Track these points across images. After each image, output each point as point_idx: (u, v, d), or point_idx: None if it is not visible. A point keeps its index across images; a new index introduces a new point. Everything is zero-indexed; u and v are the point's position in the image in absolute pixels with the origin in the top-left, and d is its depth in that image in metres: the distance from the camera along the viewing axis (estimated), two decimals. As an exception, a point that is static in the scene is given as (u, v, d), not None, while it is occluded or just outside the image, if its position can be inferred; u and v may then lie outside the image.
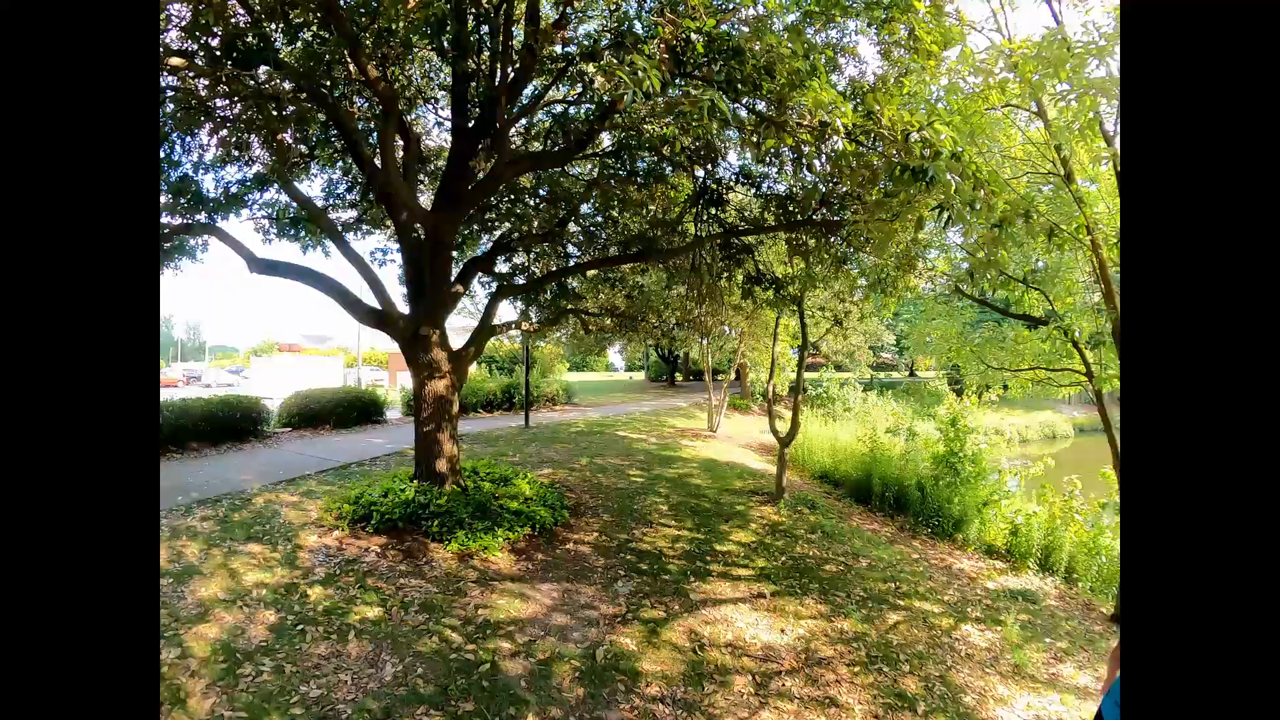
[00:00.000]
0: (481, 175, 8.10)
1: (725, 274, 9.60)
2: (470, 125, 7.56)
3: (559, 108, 8.68)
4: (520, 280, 10.55)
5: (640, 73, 3.91)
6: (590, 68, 6.10)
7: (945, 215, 4.33)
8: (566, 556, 7.10)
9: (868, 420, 18.99)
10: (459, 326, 25.92)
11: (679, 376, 39.91)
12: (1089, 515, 10.01)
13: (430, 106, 9.62)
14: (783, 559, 7.85)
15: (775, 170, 8.17)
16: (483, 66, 7.23)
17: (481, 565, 6.53)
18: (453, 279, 8.26)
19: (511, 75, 6.85)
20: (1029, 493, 11.67)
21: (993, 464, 11.95)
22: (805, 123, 4.71)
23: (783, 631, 5.89)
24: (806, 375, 29.90)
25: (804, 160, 6.20)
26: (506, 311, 20.79)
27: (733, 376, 23.12)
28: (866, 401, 24.80)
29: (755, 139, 5.01)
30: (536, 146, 9.45)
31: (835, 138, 4.05)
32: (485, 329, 8.93)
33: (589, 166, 9.75)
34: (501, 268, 10.69)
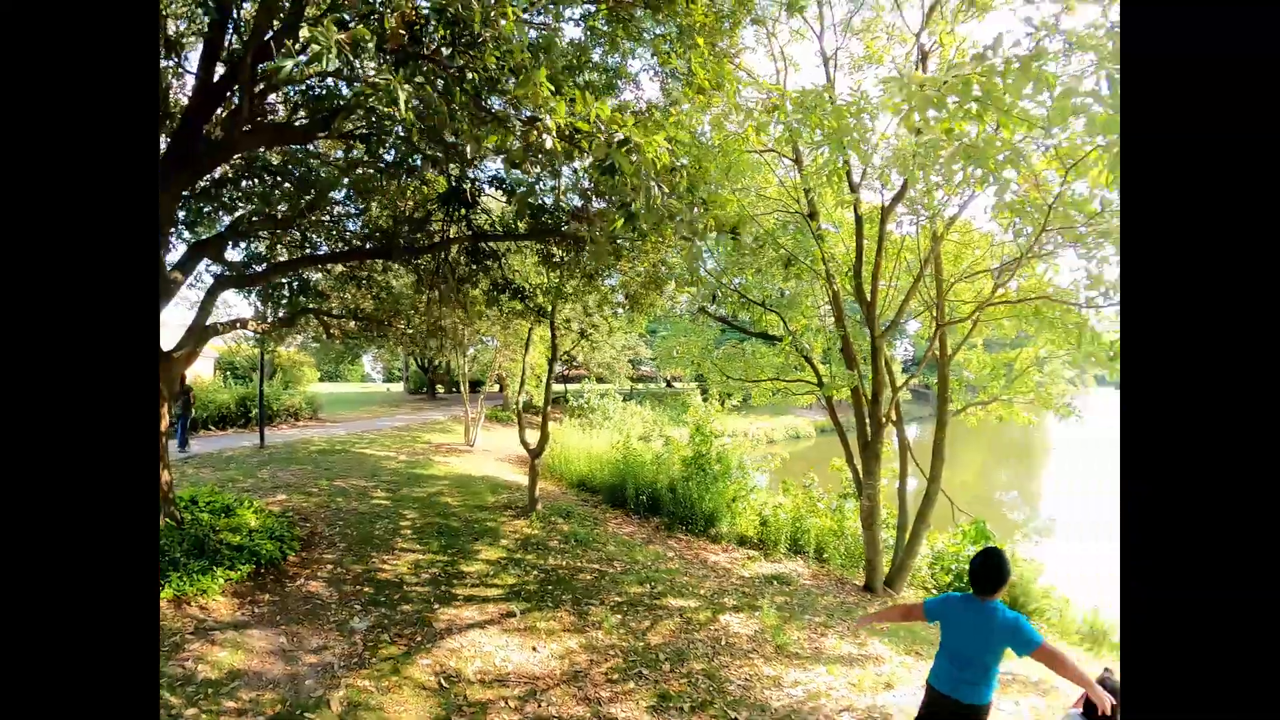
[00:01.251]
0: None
1: (471, 280, 9.18)
2: (215, 80, 6.34)
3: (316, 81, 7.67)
4: (256, 270, 9.10)
5: (360, 43, 3.41)
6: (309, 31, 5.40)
7: (634, 224, 4.33)
8: (296, 594, 6.15)
9: (623, 428, 19.68)
10: (180, 324, 21.69)
11: (440, 389, 38.17)
12: (828, 503, 11.37)
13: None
14: (534, 573, 7.58)
15: (534, 177, 7.97)
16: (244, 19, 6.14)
17: (200, 612, 5.41)
18: (171, 263, 6.88)
19: (269, 33, 5.87)
20: (776, 487, 12.91)
21: (750, 463, 13.07)
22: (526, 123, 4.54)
23: (535, 649, 5.57)
24: (570, 387, 30.34)
25: (549, 164, 6.07)
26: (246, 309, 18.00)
27: (496, 388, 22.57)
28: (626, 411, 25.69)
29: (476, 136, 4.72)
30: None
31: (545, 136, 3.89)
32: (201, 327, 7.53)
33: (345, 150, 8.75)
34: (234, 255, 9.18)
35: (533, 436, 11.28)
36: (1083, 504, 20.48)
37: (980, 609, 3.32)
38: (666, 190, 4.44)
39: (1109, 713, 2.98)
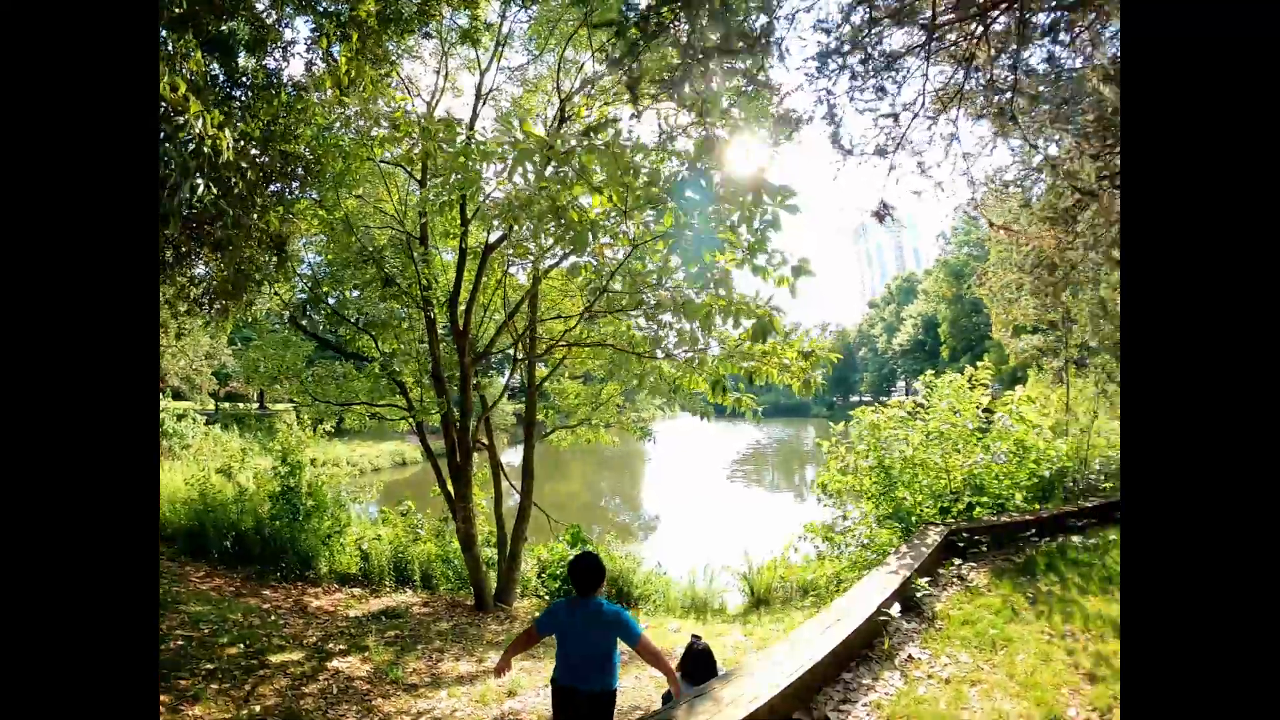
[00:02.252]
0: None
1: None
2: None
3: None
4: None
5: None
6: None
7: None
8: None
9: (202, 459, 16.66)
10: None
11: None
12: (430, 528, 11.29)
13: None
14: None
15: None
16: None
17: None
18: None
19: None
20: (379, 518, 12.32)
21: (347, 493, 12.17)
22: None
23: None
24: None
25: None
26: None
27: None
28: (209, 436, 21.73)
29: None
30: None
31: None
32: None
33: None
34: None
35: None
36: (676, 502, 24.78)
37: (585, 607, 3.65)
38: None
39: (676, 696, 3.62)
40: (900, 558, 6.29)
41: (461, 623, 8.44)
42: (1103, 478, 10.45)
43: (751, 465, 37.19)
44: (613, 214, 4.44)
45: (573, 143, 4.03)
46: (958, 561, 6.58)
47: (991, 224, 5.75)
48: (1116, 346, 11.72)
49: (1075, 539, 7.28)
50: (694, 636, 4.47)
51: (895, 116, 5.84)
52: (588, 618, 3.62)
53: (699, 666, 4.16)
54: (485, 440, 10.55)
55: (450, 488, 9.70)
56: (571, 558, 3.94)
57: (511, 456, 37.08)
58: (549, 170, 4.03)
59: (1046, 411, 11.57)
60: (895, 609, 5.03)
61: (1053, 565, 6.57)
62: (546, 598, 9.95)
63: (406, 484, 24.21)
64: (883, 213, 6.35)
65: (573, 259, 5.24)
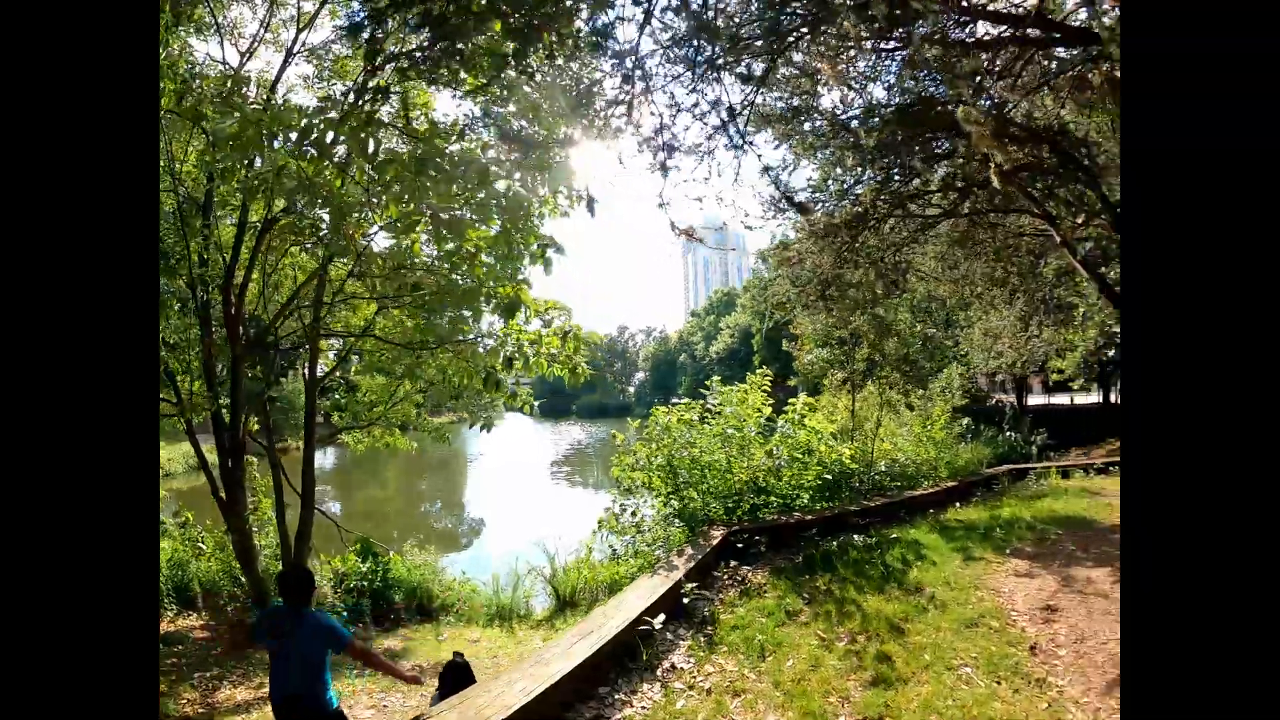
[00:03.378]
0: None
1: None
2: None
3: None
4: None
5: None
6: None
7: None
8: None
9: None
10: None
11: None
12: (214, 540, 9.95)
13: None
14: None
15: None
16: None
17: None
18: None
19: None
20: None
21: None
22: None
23: None
24: None
25: None
26: None
27: None
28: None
29: None
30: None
31: None
32: None
33: None
34: None
35: None
36: (496, 505, 23.92)
37: (297, 618, 3.64)
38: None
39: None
40: (676, 559, 6.23)
41: (242, 646, 7.51)
42: (888, 478, 11.34)
43: (574, 465, 36.95)
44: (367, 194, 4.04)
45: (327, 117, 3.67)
46: (734, 563, 6.62)
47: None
48: (900, 361, 12.80)
49: (857, 538, 7.60)
50: (455, 654, 4.53)
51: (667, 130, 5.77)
52: (301, 627, 3.63)
53: (456, 682, 4.17)
54: (264, 441, 9.41)
55: (223, 493, 8.49)
56: (281, 571, 3.68)
57: (322, 460, 34.65)
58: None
59: (835, 418, 12.39)
60: (660, 617, 4.85)
61: (831, 564, 6.75)
62: (345, 614, 9.00)
63: (204, 492, 21.57)
64: (682, 230, 6.32)
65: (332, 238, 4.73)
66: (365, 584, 9.37)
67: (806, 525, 7.88)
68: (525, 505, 23.34)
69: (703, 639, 5.13)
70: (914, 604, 5.63)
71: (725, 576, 6.42)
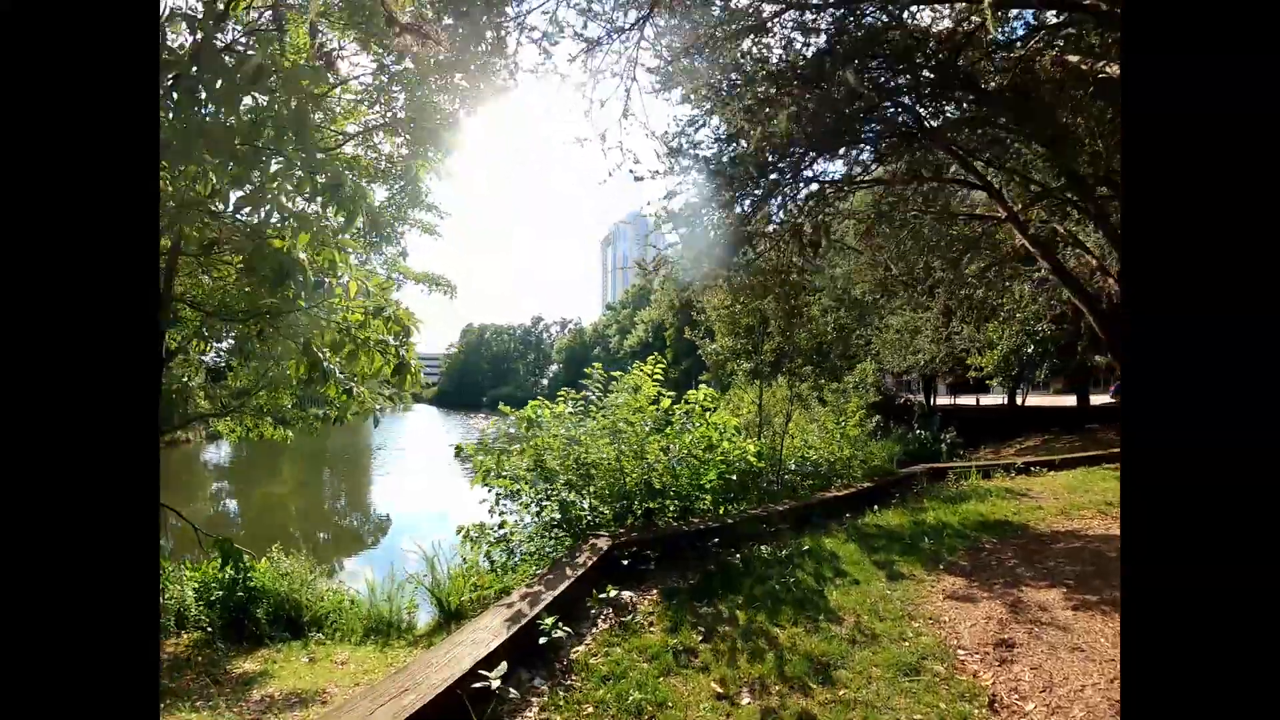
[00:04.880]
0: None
1: None
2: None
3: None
4: None
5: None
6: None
7: None
8: None
9: None
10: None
11: None
12: None
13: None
14: None
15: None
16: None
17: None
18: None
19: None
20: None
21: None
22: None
23: None
24: None
25: None
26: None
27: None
28: None
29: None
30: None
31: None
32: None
33: None
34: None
35: None
36: (393, 502, 22.37)
37: None
38: None
39: None
40: (537, 582, 4.85)
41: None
42: (799, 477, 10.32)
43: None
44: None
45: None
46: (613, 589, 5.08)
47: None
48: (812, 353, 11.82)
49: (765, 549, 6.47)
50: None
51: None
52: None
53: None
54: None
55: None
56: None
57: (214, 452, 32.10)
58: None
59: (741, 413, 11.32)
60: (501, 667, 3.38)
61: (734, 583, 5.53)
62: (209, 630, 7.56)
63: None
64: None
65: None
66: (222, 594, 7.84)
67: (706, 534, 6.59)
68: (420, 502, 21.83)
69: (561, 696, 3.73)
70: (838, 639, 4.41)
71: (599, 604, 4.98)
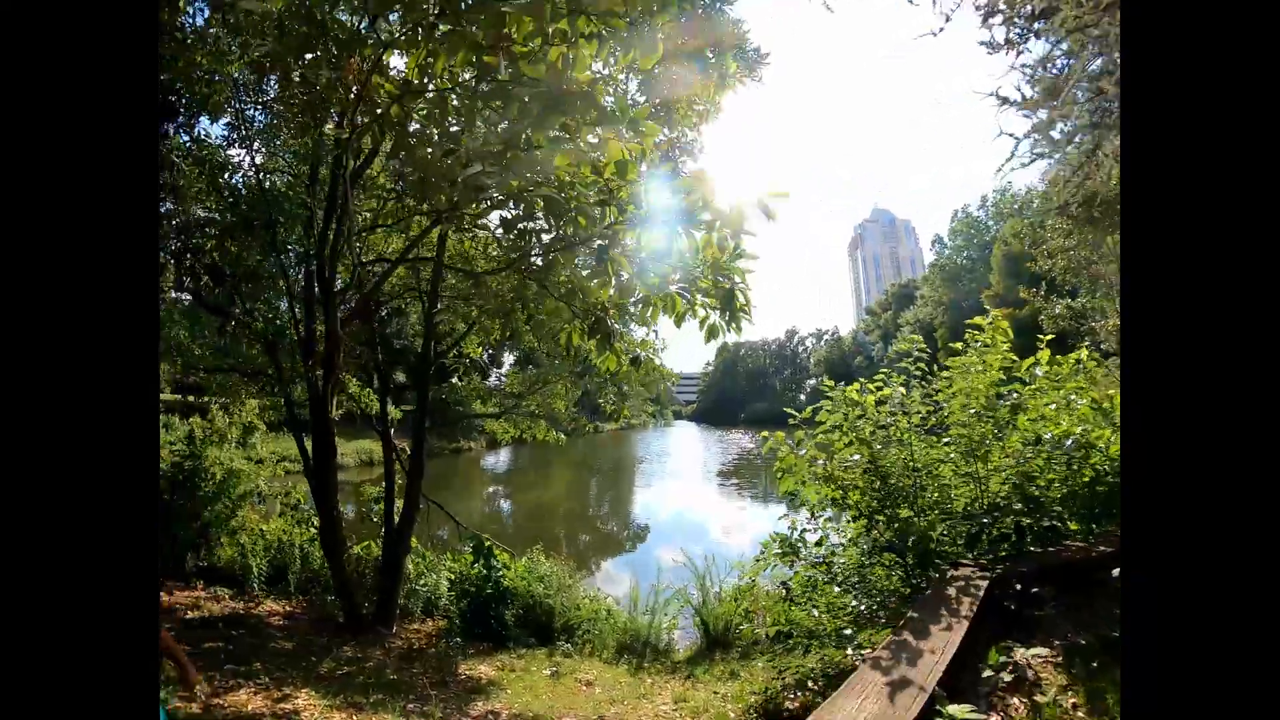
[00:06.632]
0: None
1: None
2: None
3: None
4: None
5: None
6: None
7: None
8: None
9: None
10: None
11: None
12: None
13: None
14: None
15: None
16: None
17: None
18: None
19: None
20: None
21: (269, 488, 11.01)
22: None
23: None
24: None
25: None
26: None
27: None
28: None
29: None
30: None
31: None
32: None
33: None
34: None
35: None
36: (659, 511, 22.86)
37: None
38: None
39: None
40: (910, 634, 3.23)
41: (317, 642, 6.97)
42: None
43: (744, 475, 31.84)
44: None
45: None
46: (1018, 649, 3.34)
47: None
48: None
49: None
50: None
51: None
52: None
53: None
54: (383, 428, 9.28)
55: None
56: None
57: (492, 459, 36.59)
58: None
59: (1089, 393, 6.95)
60: None
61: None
62: (457, 621, 8.03)
63: (373, 484, 23.12)
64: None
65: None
66: (473, 590, 8.07)
67: (1095, 563, 4.34)
68: (685, 515, 22.09)
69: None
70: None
71: (996, 670, 3.21)
